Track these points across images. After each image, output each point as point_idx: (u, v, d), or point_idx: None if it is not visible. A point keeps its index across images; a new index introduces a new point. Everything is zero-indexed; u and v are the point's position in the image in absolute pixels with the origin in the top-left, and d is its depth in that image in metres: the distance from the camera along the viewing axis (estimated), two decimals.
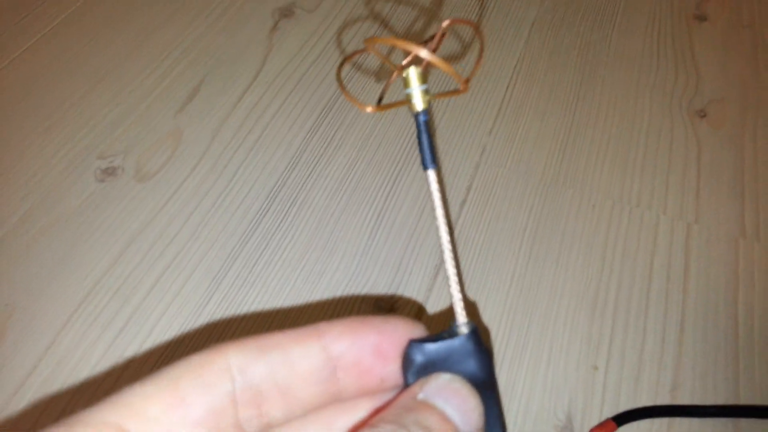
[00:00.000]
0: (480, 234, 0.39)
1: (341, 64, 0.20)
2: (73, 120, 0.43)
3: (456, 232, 0.39)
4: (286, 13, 0.51)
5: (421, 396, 0.16)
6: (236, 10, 0.51)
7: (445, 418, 0.15)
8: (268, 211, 0.39)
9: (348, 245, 0.38)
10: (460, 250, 0.38)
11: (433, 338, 0.17)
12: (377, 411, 0.17)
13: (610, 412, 0.32)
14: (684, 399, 0.32)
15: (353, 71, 0.47)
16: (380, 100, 0.19)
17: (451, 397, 0.16)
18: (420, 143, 0.17)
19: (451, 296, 0.18)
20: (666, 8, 0.54)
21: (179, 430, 0.14)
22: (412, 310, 0.35)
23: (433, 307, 0.35)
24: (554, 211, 0.40)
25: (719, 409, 0.31)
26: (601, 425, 0.30)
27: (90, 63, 0.47)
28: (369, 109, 0.19)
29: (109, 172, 0.40)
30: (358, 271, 0.37)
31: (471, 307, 0.36)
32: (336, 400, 0.17)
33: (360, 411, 0.17)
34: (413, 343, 0.17)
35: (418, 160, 0.42)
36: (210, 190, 0.40)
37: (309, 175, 0.41)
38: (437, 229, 0.18)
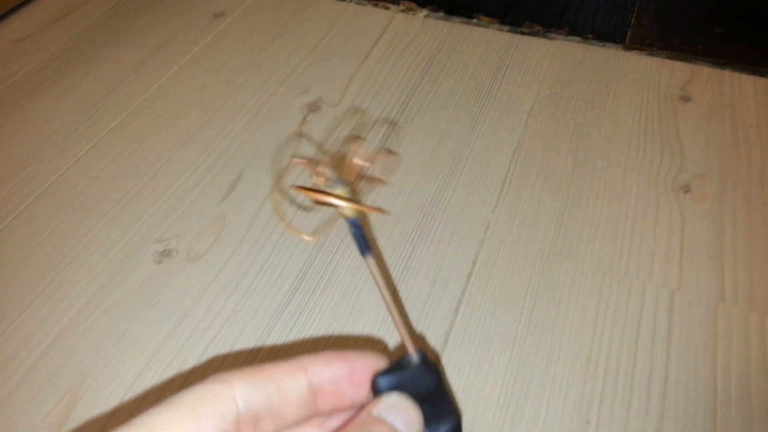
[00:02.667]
0: (484, 302, 0.44)
1: (275, 194, 0.23)
2: (134, 210, 0.50)
3: (464, 301, 0.44)
4: (314, 108, 0.59)
5: (374, 413, 0.21)
6: (271, 107, 0.59)
7: (393, 430, 0.20)
8: (298, 288, 0.45)
9: (369, 316, 0.43)
10: (466, 318, 0.43)
11: (393, 368, 0.23)
12: (342, 425, 0.22)
13: None
14: None
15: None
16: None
17: (397, 412, 0.21)
18: (354, 239, 0.23)
19: (401, 338, 0.23)
20: (653, 91, 0.60)
21: None
22: None
23: (445, 366, 0.40)
24: (551, 281, 0.45)
25: None
26: None
27: (145, 159, 0.54)
28: (307, 238, 0.23)
29: (166, 254, 0.47)
30: (378, 339, 0.42)
31: (418, 339, 0.41)
32: (314, 416, 0.22)
33: (334, 421, 0.23)
34: (378, 375, 0.23)
35: (431, 236, 0.48)
36: (249, 270, 0.46)
37: (333, 255, 0.47)
38: (381, 297, 0.23)
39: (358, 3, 0.72)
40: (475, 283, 0.45)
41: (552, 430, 0.38)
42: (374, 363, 0.23)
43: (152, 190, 0.52)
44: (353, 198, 0.22)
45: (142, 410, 0.35)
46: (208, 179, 0.53)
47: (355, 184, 0.22)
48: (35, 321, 0.43)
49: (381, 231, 0.48)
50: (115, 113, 0.59)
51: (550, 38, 0.67)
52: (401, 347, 0.23)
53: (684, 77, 0.62)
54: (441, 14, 0.70)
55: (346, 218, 0.22)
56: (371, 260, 0.23)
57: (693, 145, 0.55)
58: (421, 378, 0.23)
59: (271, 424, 0.21)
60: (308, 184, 0.22)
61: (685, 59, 0.64)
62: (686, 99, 0.59)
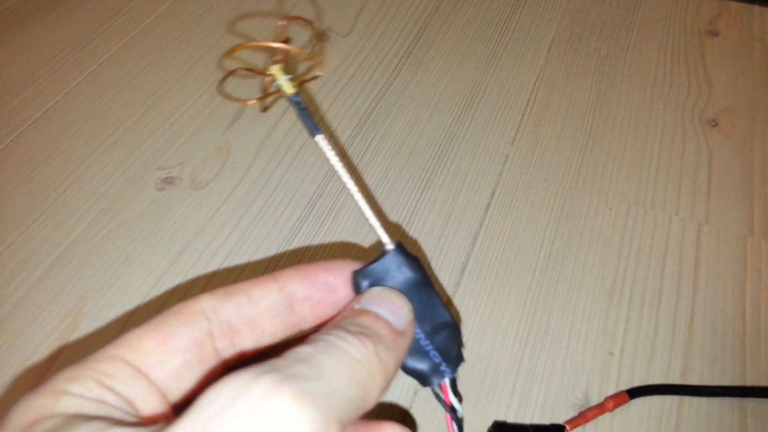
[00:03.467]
0: (504, 232, 0.42)
1: (222, 80, 0.24)
2: (134, 136, 0.48)
3: (482, 232, 0.42)
4: (323, 38, 0.56)
5: (357, 306, 0.20)
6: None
7: (377, 317, 0.19)
8: (308, 217, 0.43)
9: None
10: (485, 248, 0.41)
11: (371, 263, 0.21)
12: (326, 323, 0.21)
13: None
14: (693, 382, 0.35)
15: (244, 83, 0.51)
16: (265, 99, 0.23)
17: (381, 302, 0.20)
18: (301, 119, 0.21)
19: (371, 226, 0.21)
20: (679, 24, 0.57)
21: (169, 358, 0.18)
22: None
23: (462, 297, 0.39)
24: (573, 213, 0.43)
25: (727, 390, 0.34)
26: (615, 395, 0.33)
27: (146, 86, 0.52)
28: (250, 102, 0.23)
29: (168, 181, 0.45)
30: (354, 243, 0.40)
31: (393, 229, 0.41)
32: (298, 329, 0.21)
33: None
34: (356, 271, 0.21)
35: (447, 168, 0.46)
36: (256, 198, 0.44)
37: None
38: (340, 178, 0.21)
39: None
40: (494, 215, 0.43)
41: (574, 361, 0.36)
42: (349, 265, 0.21)
43: (154, 117, 0.49)
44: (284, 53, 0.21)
45: None
46: (213, 107, 0.50)
47: (286, 60, 0.22)
48: (36, 242, 0.41)
49: (392, 162, 0.46)
50: (115, 39, 0.56)
51: None
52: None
53: (711, 12, 0.59)
54: None
55: (287, 97, 0.21)
56: (321, 139, 0.21)
57: (721, 80, 0.52)
58: (402, 269, 0.21)
59: (249, 335, 0.20)
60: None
61: None
62: (714, 33, 0.57)
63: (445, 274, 0.40)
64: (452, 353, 0.21)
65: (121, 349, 0.18)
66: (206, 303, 0.19)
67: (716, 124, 0.48)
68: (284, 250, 0.41)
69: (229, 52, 0.21)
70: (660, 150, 0.47)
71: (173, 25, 0.57)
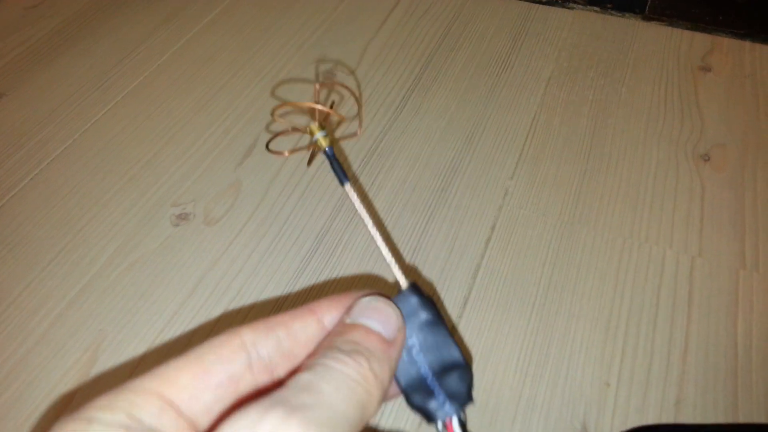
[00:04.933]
0: (504, 266, 0.44)
1: (270, 140, 0.30)
2: (150, 173, 0.50)
3: (482, 266, 0.44)
4: (329, 75, 0.58)
5: (348, 320, 0.21)
6: (285, 75, 0.58)
7: (369, 331, 0.20)
8: (316, 251, 0.45)
9: (389, 279, 0.43)
10: (486, 281, 0.43)
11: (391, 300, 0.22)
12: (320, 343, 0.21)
13: (620, 422, 0.36)
14: (687, 412, 0.36)
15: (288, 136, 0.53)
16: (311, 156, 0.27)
17: (371, 314, 0.21)
18: (333, 169, 0.24)
19: (390, 267, 0.23)
20: (673, 61, 0.60)
21: (203, 393, 0.18)
22: None
23: (464, 329, 0.40)
24: (571, 246, 0.45)
25: (718, 428, 0.35)
26: None
27: (161, 124, 0.54)
28: (288, 154, 0.27)
29: (183, 217, 0.47)
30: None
31: (410, 271, 0.43)
32: None
33: None
34: None
35: (449, 202, 0.47)
36: (266, 233, 0.46)
37: (351, 219, 0.47)
38: (363, 222, 0.23)
39: None
40: (494, 249, 0.45)
41: (572, 391, 0.38)
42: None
43: (168, 154, 0.52)
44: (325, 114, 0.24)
45: None
46: (225, 144, 0.52)
47: (325, 122, 0.25)
48: (57, 278, 0.43)
49: (396, 197, 0.48)
50: (131, 78, 0.59)
51: (568, 8, 0.66)
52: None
53: (704, 48, 0.61)
54: None
55: (322, 150, 0.24)
56: (350, 187, 0.24)
57: (713, 115, 0.54)
58: (416, 308, 0.22)
59: (286, 366, 0.21)
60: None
61: (705, 30, 0.63)
62: (706, 69, 0.59)
63: (447, 306, 0.42)
64: (461, 393, 0.22)
65: (156, 382, 0.18)
66: (247, 337, 0.20)
67: (708, 159, 0.50)
68: (294, 283, 0.43)
69: (276, 108, 0.25)
70: (654, 184, 0.49)
71: (186, 64, 0.60)
